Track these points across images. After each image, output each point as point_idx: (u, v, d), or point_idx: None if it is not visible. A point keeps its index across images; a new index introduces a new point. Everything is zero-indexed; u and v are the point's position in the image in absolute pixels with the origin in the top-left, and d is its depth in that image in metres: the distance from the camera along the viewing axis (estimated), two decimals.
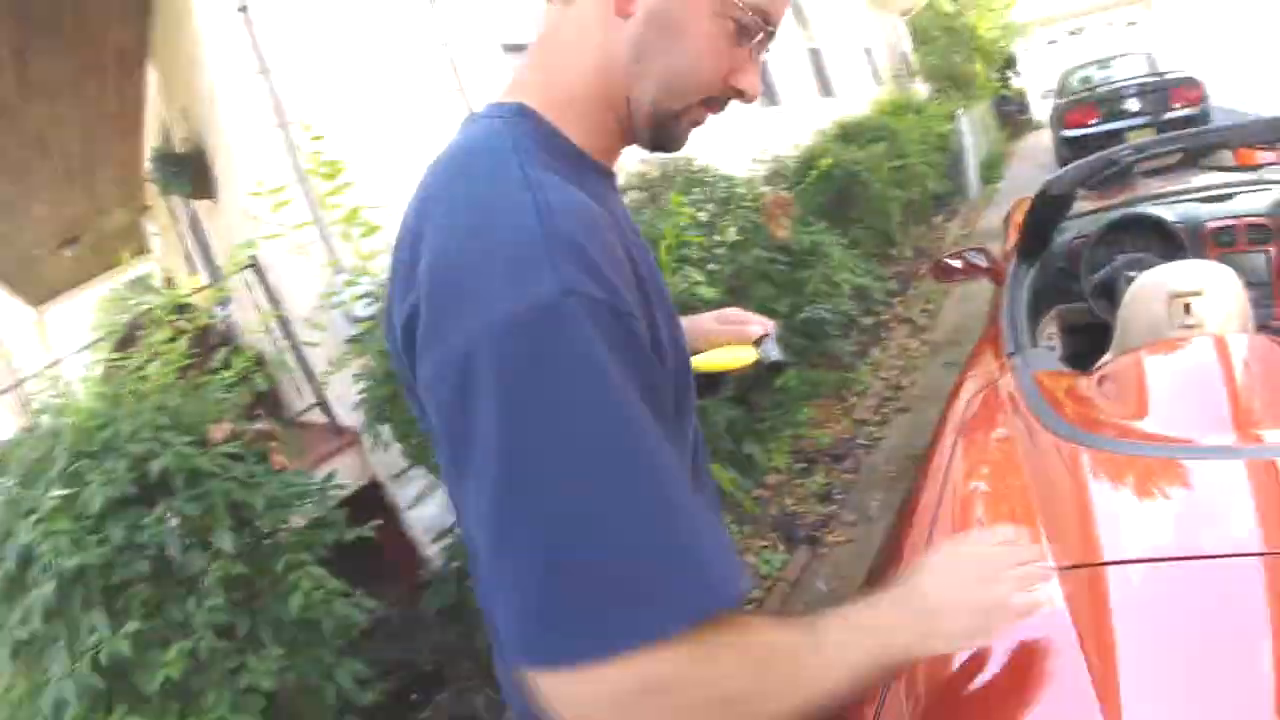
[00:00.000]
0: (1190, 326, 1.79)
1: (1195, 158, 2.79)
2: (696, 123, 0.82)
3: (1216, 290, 1.83)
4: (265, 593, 1.92)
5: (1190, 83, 8.73)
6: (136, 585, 1.74)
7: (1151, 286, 1.87)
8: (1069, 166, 2.28)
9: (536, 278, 0.62)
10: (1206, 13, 10.80)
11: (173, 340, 2.15)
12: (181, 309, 2.49)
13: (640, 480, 0.64)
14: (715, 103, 0.81)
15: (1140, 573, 1.00)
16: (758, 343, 1.05)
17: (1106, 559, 1.02)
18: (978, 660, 0.93)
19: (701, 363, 1.01)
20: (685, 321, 1.07)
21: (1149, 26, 16.99)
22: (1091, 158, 2.28)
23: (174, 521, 1.76)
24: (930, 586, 0.79)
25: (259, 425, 1.98)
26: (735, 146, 6.10)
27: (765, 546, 3.46)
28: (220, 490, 1.81)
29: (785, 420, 4.23)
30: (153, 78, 5.22)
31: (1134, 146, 2.31)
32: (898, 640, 0.75)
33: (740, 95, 0.80)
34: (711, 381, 1.07)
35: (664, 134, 0.81)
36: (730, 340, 1.06)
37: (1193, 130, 2.63)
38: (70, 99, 4.97)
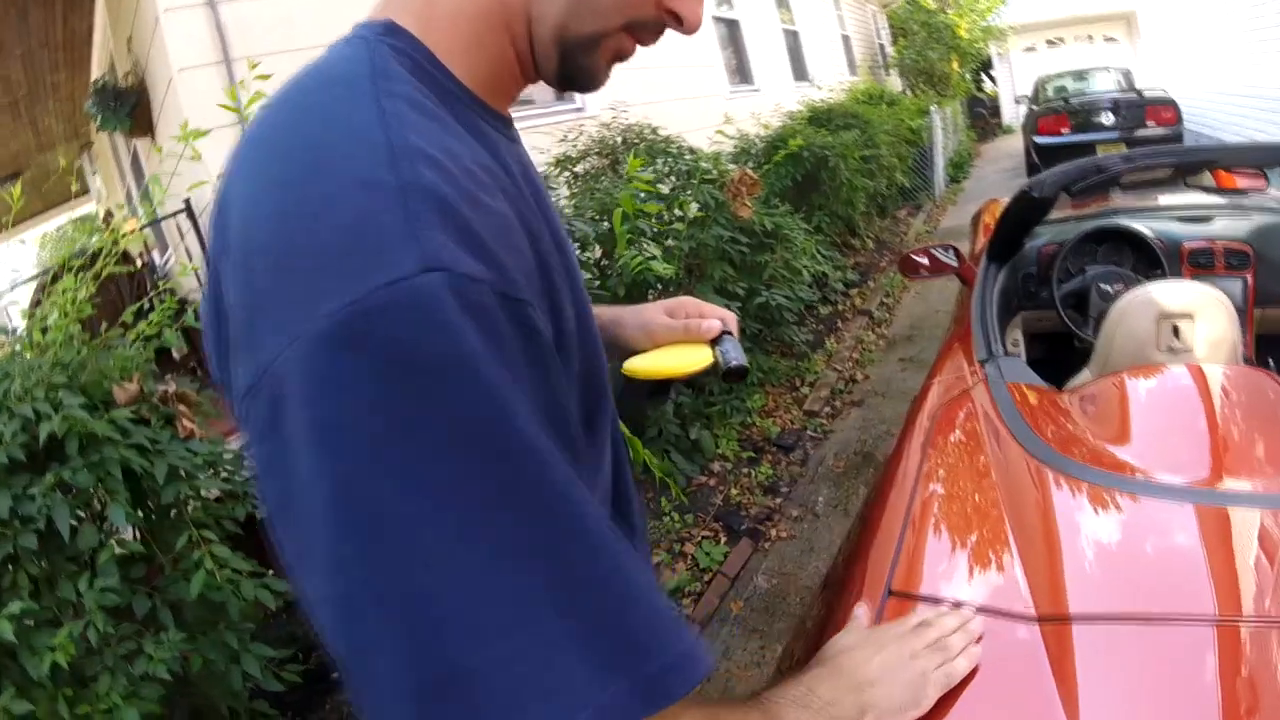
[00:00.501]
0: (1176, 351, 1.73)
1: (1184, 174, 2.75)
2: (620, 55, 0.65)
3: (1208, 315, 1.77)
4: (166, 572, 1.77)
5: (1166, 102, 8.86)
6: (24, 561, 1.58)
7: (1140, 304, 1.80)
8: (1054, 169, 2.20)
9: (387, 250, 0.45)
10: (1187, 38, 10.91)
11: (91, 287, 1.96)
12: (125, 257, 2.29)
13: (541, 538, 0.47)
14: (644, 30, 0.64)
15: (1102, 631, 0.93)
16: (715, 342, 0.90)
17: (1073, 611, 0.94)
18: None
19: (647, 366, 0.88)
20: (629, 312, 0.94)
21: (1129, 45, 17.14)
22: (1079, 162, 2.20)
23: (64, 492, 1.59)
24: (860, 660, 0.77)
25: (167, 386, 1.80)
26: (703, 122, 5.98)
27: (707, 537, 3.38)
28: (116, 458, 1.64)
29: (735, 406, 4.15)
30: (101, 6, 4.95)
31: (1124, 156, 2.25)
32: (839, 716, 0.70)
33: (677, 22, 0.63)
34: (659, 386, 0.94)
35: (576, 67, 0.63)
36: (682, 339, 0.91)
37: (1187, 146, 2.58)
38: (16, 27, 4.73)
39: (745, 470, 3.84)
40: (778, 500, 3.61)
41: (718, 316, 0.92)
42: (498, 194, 0.54)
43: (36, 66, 5.57)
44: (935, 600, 1.01)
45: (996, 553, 1.10)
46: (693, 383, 4.19)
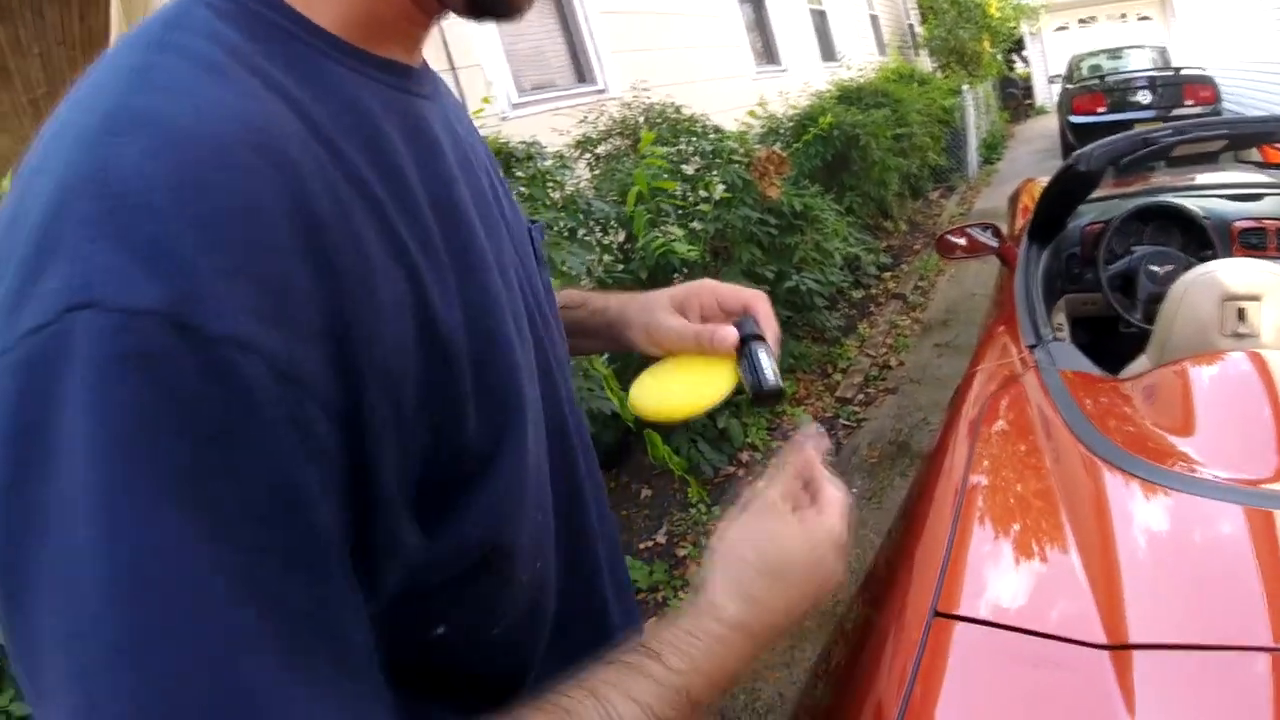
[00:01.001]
0: (1242, 335, 1.60)
1: (1236, 148, 2.59)
2: None
3: (1276, 297, 1.62)
4: None
5: (1204, 80, 8.67)
6: None
7: (1203, 285, 1.66)
8: (1101, 141, 2.06)
9: (41, 276, 0.33)
10: (1223, 15, 10.62)
11: None
12: None
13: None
14: None
15: (1165, 660, 0.79)
16: (742, 350, 0.69)
17: (1132, 638, 0.79)
18: None
19: (652, 406, 0.69)
20: (635, 306, 0.76)
21: (1162, 23, 16.76)
22: (1127, 134, 2.07)
23: None
24: (758, 593, 0.54)
25: None
26: (729, 103, 5.82)
27: None
28: None
29: None
30: (116, 4, 4.90)
31: (1175, 128, 2.10)
32: (738, 667, 0.52)
33: None
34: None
35: None
36: (693, 350, 0.71)
37: (1240, 117, 2.42)
38: (33, 26, 4.71)
39: (774, 460, 3.69)
40: None
41: (740, 303, 0.73)
42: (314, 161, 0.40)
43: (55, 65, 5.56)
44: (989, 624, 0.86)
45: (1057, 567, 0.94)
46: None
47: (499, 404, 0.49)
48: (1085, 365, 1.55)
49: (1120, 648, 0.78)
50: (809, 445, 0.65)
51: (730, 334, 0.68)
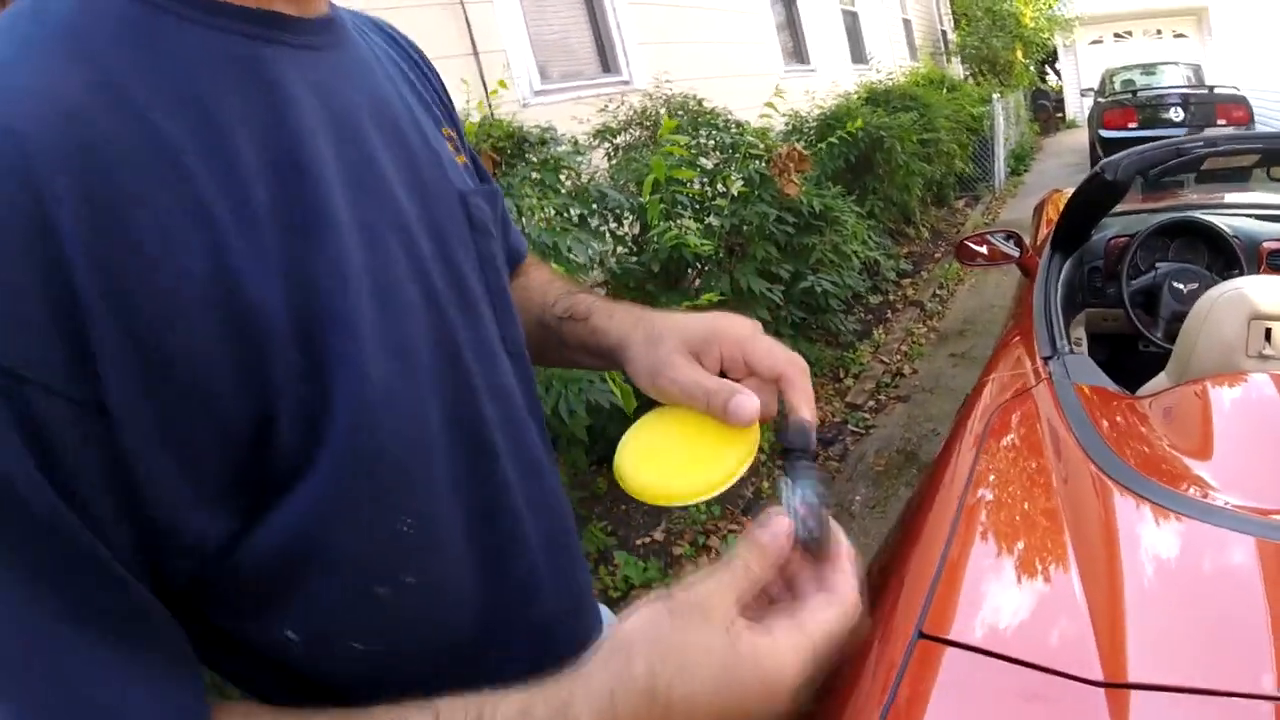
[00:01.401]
0: (1268, 357, 1.53)
1: (1270, 163, 2.52)
2: None
3: None
4: None
5: (1238, 100, 8.63)
6: None
7: (1229, 302, 1.59)
8: (1130, 150, 2.00)
9: None
10: (1261, 35, 10.50)
11: None
12: None
13: None
14: None
15: (1171, 701, 0.71)
16: (779, 428, 0.56)
17: (1132, 677, 0.72)
18: None
19: (640, 484, 0.55)
20: (642, 330, 0.64)
21: (1198, 41, 16.56)
22: (1157, 143, 1.99)
23: None
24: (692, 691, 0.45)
25: None
26: (754, 101, 5.75)
27: (733, 530, 3.21)
28: None
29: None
30: None
31: (1206, 139, 2.04)
32: None
33: None
34: None
35: None
36: (703, 413, 0.58)
37: (1275, 132, 2.35)
38: None
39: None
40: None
41: (774, 370, 0.58)
42: (89, 139, 0.37)
43: None
44: (975, 650, 0.79)
45: (1057, 592, 0.87)
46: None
47: (324, 389, 0.43)
48: (1102, 380, 1.48)
49: (1118, 686, 0.71)
50: (782, 534, 0.49)
51: (751, 406, 0.55)
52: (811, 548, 0.51)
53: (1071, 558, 0.91)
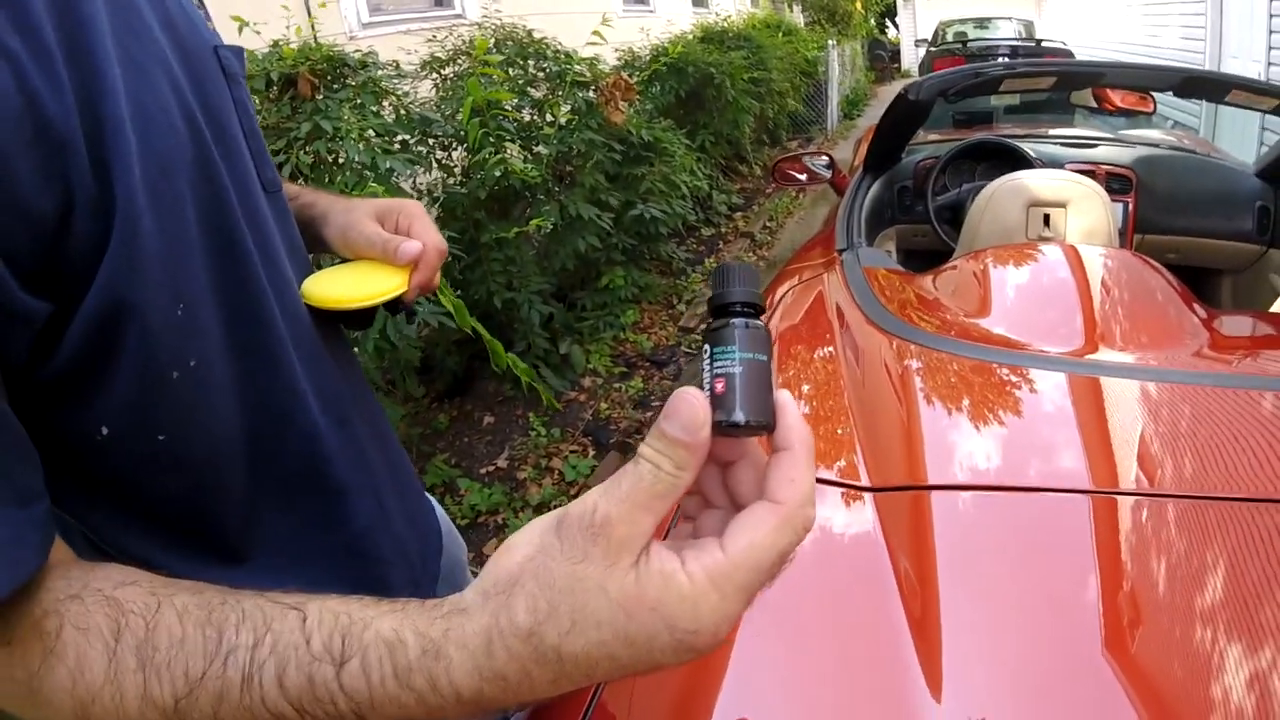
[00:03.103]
0: (1047, 240, 1.67)
1: (1065, 89, 2.70)
2: None
3: (1082, 205, 1.71)
4: None
5: (1065, 55, 8.98)
6: None
7: (1009, 191, 1.73)
8: (932, 74, 2.11)
9: None
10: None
11: None
12: None
13: None
14: None
15: (963, 498, 0.85)
16: (713, 348, 0.44)
17: (930, 481, 0.86)
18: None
19: (318, 293, 0.68)
20: (339, 208, 0.79)
21: (1034, 1, 17.38)
22: (958, 68, 2.11)
23: None
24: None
25: None
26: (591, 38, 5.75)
27: (574, 451, 3.32)
28: None
29: (609, 322, 4.06)
30: None
31: (1005, 64, 2.16)
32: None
33: None
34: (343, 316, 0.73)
35: None
36: (380, 259, 0.73)
37: (1071, 60, 2.54)
38: None
39: (616, 385, 3.77)
40: (648, 414, 3.56)
41: (429, 241, 0.74)
42: None
43: None
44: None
45: (836, 434, 1.00)
46: (562, 295, 4.08)
47: (108, 186, 0.49)
48: (892, 265, 1.56)
49: (905, 489, 0.85)
50: (698, 423, 0.39)
51: (413, 248, 0.72)
52: (739, 434, 0.42)
53: (849, 408, 1.03)
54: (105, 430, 0.52)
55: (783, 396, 0.42)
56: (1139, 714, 0.59)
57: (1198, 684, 0.60)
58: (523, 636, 0.38)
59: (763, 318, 0.44)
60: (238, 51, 0.71)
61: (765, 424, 0.41)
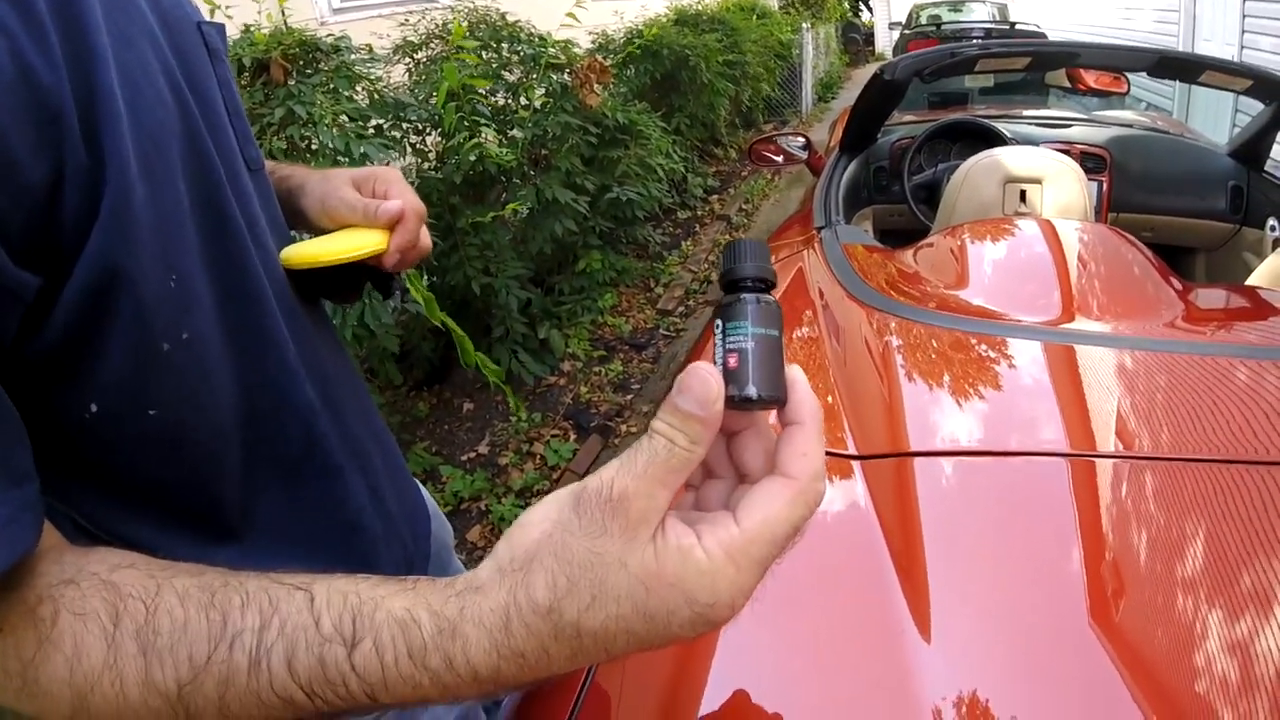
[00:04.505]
0: (1023, 216, 1.68)
1: (1041, 68, 2.71)
2: None
3: (1058, 182, 1.73)
4: None
5: (1037, 36, 9.02)
6: None
7: (985, 168, 1.75)
8: (907, 54, 2.12)
9: None
10: None
11: None
12: None
13: None
14: None
15: (945, 463, 0.88)
16: (722, 320, 0.45)
17: (913, 448, 0.89)
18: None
19: (298, 254, 0.68)
20: (315, 179, 0.79)
21: None
22: (934, 48, 2.12)
23: None
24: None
25: None
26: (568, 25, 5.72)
27: (555, 435, 3.33)
28: None
29: (587, 306, 4.06)
30: None
31: (980, 45, 2.17)
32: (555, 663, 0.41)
33: None
34: (343, 280, 0.73)
35: None
36: (360, 223, 0.74)
37: (1046, 40, 2.56)
38: None
39: (596, 369, 3.78)
40: (628, 397, 3.58)
41: (408, 203, 0.73)
42: None
43: None
44: None
45: (824, 404, 1.02)
46: (540, 280, 4.06)
47: (99, 157, 0.48)
48: (869, 241, 1.58)
49: (888, 456, 0.88)
50: (711, 397, 0.39)
51: (392, 208, 0.72)
52: (751, 409, 0.42)
53: (833, 381, 1.05)
54: (94, 408, 0.51)
55: (794, 371, 0.43)
56: (1116, 651, 0.63)
57: (1170, 624, 0.65)
58: (542, 613, 0.39)
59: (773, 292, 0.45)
60: (220, 28, 0.70)
61: (777, 399, 0.41)
